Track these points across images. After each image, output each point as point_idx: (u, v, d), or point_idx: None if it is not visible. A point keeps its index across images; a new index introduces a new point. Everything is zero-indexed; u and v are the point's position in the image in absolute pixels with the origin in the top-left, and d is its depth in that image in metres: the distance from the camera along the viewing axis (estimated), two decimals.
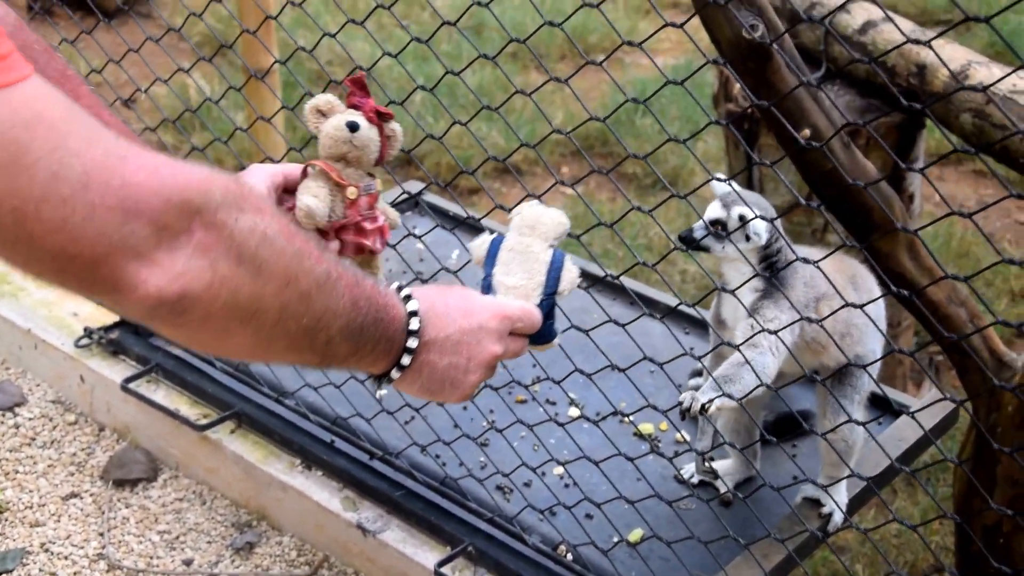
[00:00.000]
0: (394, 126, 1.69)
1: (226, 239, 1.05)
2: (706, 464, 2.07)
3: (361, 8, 5.87)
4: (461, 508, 2.07)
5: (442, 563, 2.00)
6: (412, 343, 1.33)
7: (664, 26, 1.67)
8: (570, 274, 1.53)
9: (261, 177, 1.62)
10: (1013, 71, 1.57)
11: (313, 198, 1.60)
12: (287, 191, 1.65)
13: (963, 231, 4.62)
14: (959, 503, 3.05)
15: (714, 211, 1.86)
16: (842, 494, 2.03)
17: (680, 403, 1.81)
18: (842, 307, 1.67)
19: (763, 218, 1.79)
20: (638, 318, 1.84)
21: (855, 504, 2.09)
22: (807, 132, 2.26)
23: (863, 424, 1.74)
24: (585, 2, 1.70)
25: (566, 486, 2.12)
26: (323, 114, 1.67)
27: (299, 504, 2.21)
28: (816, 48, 3.48)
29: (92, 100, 1.52)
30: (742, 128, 3.59)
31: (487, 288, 1.52)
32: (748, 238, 1.82)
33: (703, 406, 1.77)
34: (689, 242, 1.86)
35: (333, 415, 2.21)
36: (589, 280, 2.64)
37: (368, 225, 1.66)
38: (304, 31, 5.64)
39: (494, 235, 1.57)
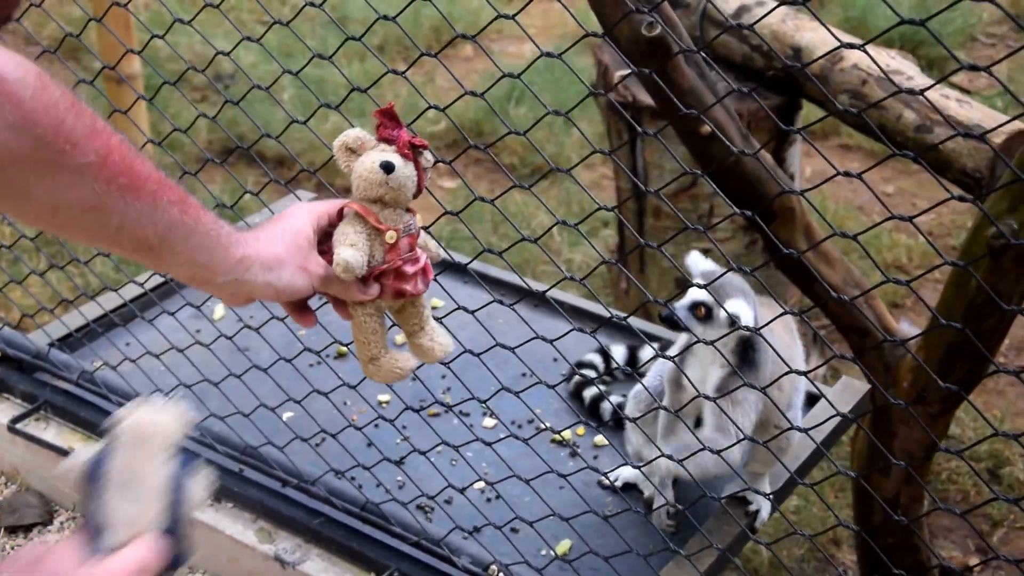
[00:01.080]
0: (428, 156, 1.58)
1: None
2: (670, 521, 2.04)
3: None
4: (384, 532, 2.00)
5: None
6: None
7: (530, 1, 1.63)
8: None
9: (307, 218, 1.55)
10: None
11: (350, 248, 1.51)
12: (326, 233, 1.57)
13: (835, 206, 4.72)
14: (857, 482, 3.11)
15: (697, 294, 1.83)
16: (766, 487, 2.04)
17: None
18: (786, 373, 1.65)
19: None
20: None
21: (780, 495, 2.10)
22: (708, 128, 2.25)
23: (805, 431, 1.73)
24: None
25: (488, 500, 2.08)
26: (353, 151, 1.55)
27: (210, 539, 2.11)
28: (691, 34, 3.49)
29: (125, 150, 1.41)
30: (624, 117, 3.59)
31: (95, 529, 1.19)
32: (732, 323, 1.78)
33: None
34: (671, 324, 1.85)
35: (242, 444, 2.12)
36: (489, 283, 2.60)
37: (409, 268, 1.56)
38: (162, 31, 5.45)
39: (95, 452, 1.25)
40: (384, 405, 2.30)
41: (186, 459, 1.25)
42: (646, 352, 2.41)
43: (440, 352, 1.65)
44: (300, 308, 1.61)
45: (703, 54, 2.29)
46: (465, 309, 1.75)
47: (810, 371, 1.69)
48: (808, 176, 5.00)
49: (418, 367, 1.65)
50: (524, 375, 2.32)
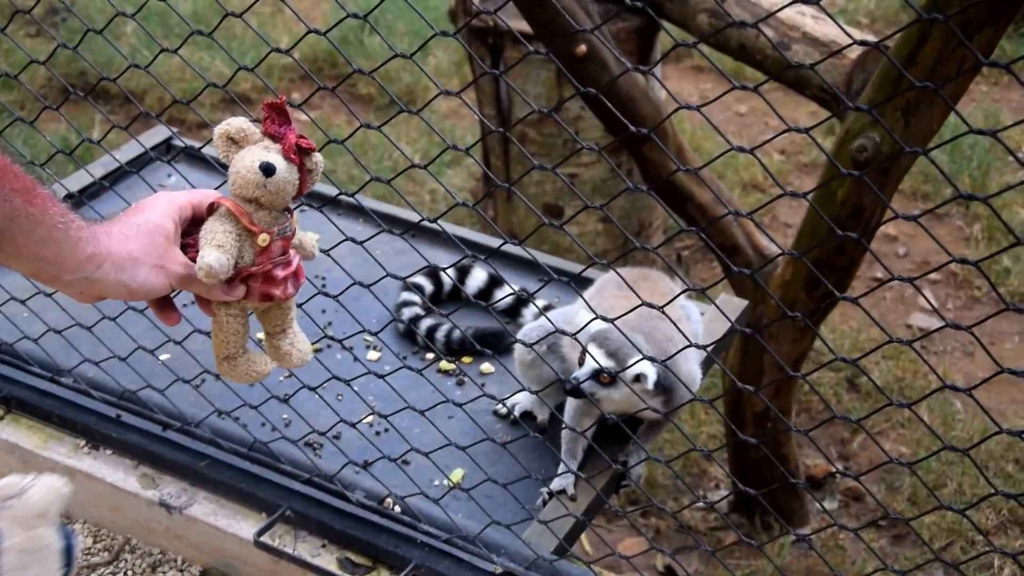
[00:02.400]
0: (316, 158, 1.47)
1: None
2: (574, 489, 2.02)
3: None
4: (274, 472, 1.96)
5: (261, 531, 1.90)
6: None
7: None
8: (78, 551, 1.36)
9: (167, 210, 1.44)
10: None
11: (216, 250, 1.40)
12: (195, 222, 1.47)
13: (691, 127, 4.78)
14: (730, 395, 3.20)
15: (598, 359, 1.79)
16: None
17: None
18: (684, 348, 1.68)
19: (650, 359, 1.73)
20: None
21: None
22: (583, 48, 2.24)
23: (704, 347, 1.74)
24: None
25: (377, 433, 2.06)
26: (235, 143, 1.44)
27: (90, 488, 2.04)
28: None
29: (15, 181, 1.33)
30: (486, 42, 3.55)
31: None
32: (638, 379, 1.79)
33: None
34: (576, 394, 1.81)
35: (119, 389, 2.05)
36: (340, 208, 2.55)
37: (280, 272, 1.47)
38: None
39: None
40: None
41: (68, 531, 1.30)
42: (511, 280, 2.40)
43: (298, 359, 1.58)
44: (162, 304, 1.51)
45: None
46: (354, 240, 1.71)
47: (708, 346, 1.68)
48: (664, 98, 5.04)
49: (271, 370, 1.58)
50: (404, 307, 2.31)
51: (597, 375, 1.80)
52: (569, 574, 1.80)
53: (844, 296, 1.52)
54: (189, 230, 1.47)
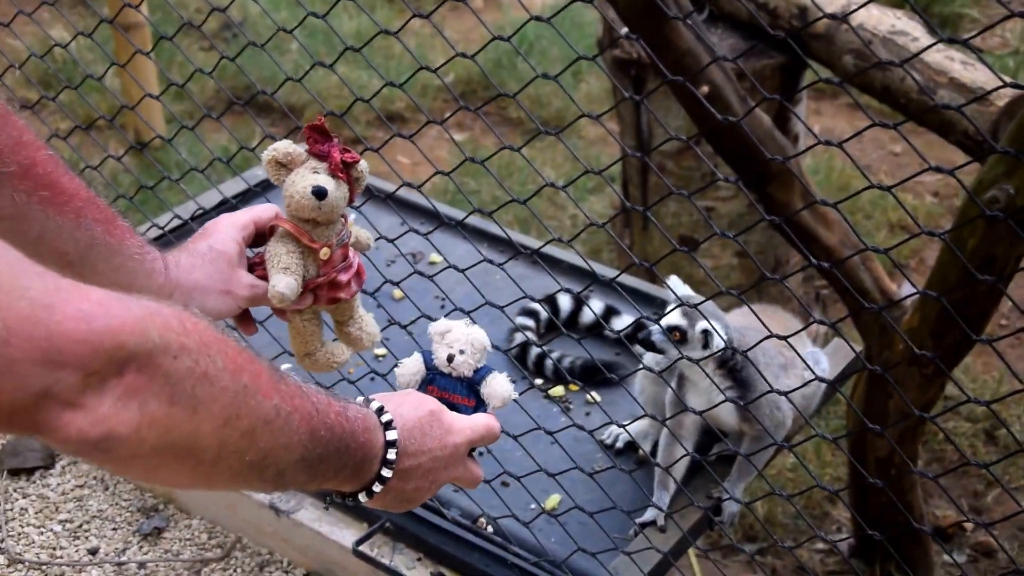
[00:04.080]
0: (361, 167, 1.55)
1: (160, 381, 1.01)
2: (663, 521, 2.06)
3: None
4: None
5: (360, 541, 1.98)
6: (386, 473, 1.32)
7: None
8: (503, 389, 1.55)
9: (231, 234, 1.55)
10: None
11: (283, 275, 1.50)
12: (260, 236, 1.58)
13: (842, 165, 4.71)
14: (853, 439, 3.15)
15: (673, 318, 1.87)
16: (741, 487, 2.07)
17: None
18: (807, 383, 1.74)
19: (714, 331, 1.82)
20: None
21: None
22: (706, 89, 2.27)
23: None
24: None
25: (480, 454, 2.11)
26: (284, 166, 1.52)
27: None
28: None
29: (50, 165, 1.43)
30: (629, 73, 3.59)
31: (479, 399, 1.55)
32: (705, 346, 1.85)
33: None
34: (647, 345, 1.88)
35: None
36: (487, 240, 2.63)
37: (343, 277, 1.57)
38: None
39: (420, 354, 1.56)
40: (380, 359, 2.34)
41: (489, 368, 1.57)
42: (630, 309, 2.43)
43: (367, 341, 1.68)
44: (240, 318, 1.62)
45: (710, 8, 2.29)
46: (456, 268, 1.78)
47: (794, 388, 1.71)
48: (816, 133, 4.98)
49: (351, 356, 1.68)
50: (517, 332, 2.36)
51: (671, 331, 1.86)
52: None
53: (976, 338, 1.51)
54: (254, 243, 1.58)
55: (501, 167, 4.65)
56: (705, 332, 1.85)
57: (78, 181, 1.44)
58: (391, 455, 1.31)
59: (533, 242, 2.57)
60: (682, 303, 1.84)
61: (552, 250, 2.55)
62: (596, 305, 2.42)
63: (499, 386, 1.55)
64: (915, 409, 1.62)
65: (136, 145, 2.31)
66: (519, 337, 2.33)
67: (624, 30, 3.57)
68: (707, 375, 1.80)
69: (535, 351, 2.30)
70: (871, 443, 3.10)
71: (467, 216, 2.13)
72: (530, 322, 2.37)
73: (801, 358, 1.83)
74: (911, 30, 3.23)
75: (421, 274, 1.90)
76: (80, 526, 2.24)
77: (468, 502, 1.97)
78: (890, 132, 4.98)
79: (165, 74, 2.38)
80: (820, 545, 3.38)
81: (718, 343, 1.85)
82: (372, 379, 2.17)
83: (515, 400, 1.86)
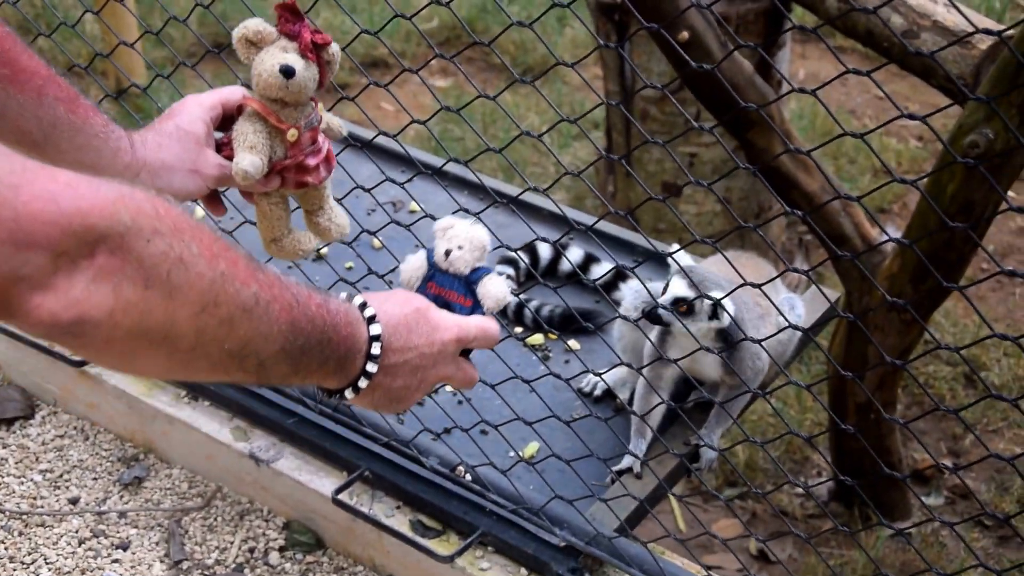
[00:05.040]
0: (332, 50, 1.54)
1: (133, 263, 1.00)
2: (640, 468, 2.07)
3: None
4: (356, 434, 2.05)
5: (339, 489, 1.99)
6: (371, 367, 1.30)
7: None
8: (497, 290, 1.53)
9: (198, 113, 1.53)
10: None
11: (248, 153, 1.50)
12: (227, 118, 1.56)
13: (825, 112, 4.69)
14: (834, 383, 3.17)
15: (679, 289, 1.86)
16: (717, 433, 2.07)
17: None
18: (782, 330, 1.73)
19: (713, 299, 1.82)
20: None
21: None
22: (685, 34, 2.25)
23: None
24: None
25: (459, 403, 2.12)
26: (254, 44, 1.51)
27: (187, 436, 2.17)
28: None
29: (8, 43, 1.40)
30: (612, 18, 3.56)
31: (475, 299, 1.53)
32: (711, 318, 1.85)
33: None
34: (653, 319, 1.87)
35: None
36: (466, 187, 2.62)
37: (311, 161, 1.56)
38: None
39: (424, 251, 1.56)
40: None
41: (487, 269, 1.55)
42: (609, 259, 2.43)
43: (336, 232, 1.68)
44: (209, 199, 1.61)
45: None
46: (432, 217, 1.76)
47: (770, 335, 1.71)
48: (801, 78, 4.96)
49: (321, 247, 1.68)
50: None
51: (677, 303, 1.86)
52: (627, 552, 1.84)
53: (949, 285, 1.52)
54: (223, 127, 1.56)
55: (485, 114, 4.62)
56: (715, 306, 1.84)
57: (37, 59, 1.42)
58: (375, 349, 1.30)
59: (515, 190, 2.56)
60: (684, 272, 1.84)
61: (533, 198, 2.54)
62: (576, 253, 2.41)
63: (494, 287, 1.53)
64: (888, 356, 1.62)
65: (112, 94, 2.28)
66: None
67: None
68: (692, 335, 1.79)
69: (514, 300, 2.30)
70: (850, 389, 3.12)
71: (444, 164, 2.13)
72: (509, 271, 2.36)
73: (776, 307, 1.83)
74: None
75: (399, 223, 1.89)
76: (61, 476, 2.24)
77: (446, 450, 1.98)
78: (877, 76, 4.98)
79: (141, 23, 2.35)
80: (800, 489, 3.41)
81: (727, 316, 1.85)
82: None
83: (492, 348, 1.86)
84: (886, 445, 3.25)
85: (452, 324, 1.42)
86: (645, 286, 1.89)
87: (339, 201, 1.71)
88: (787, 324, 1.77)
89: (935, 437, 3.55)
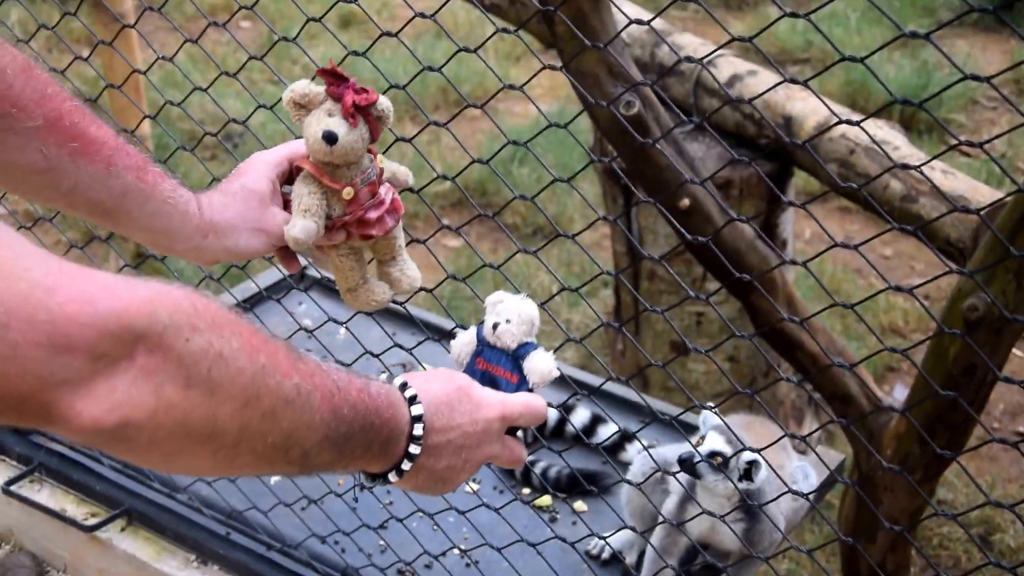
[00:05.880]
0: (381, 105, 1.51)
1: (173, 362, 0.99)
2: None
3: (230, 64, 5.80)
4: None
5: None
6: (415, 449, 1.29)
7: (542, 69, 1.67)
8: (544, 365, 1.52)
9: (263, 171, 1.55)
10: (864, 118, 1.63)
11: (302, 217, 1.51)
12: (295, 173, 1.57)
13: (832, 268, 4.77)
14: (845, 545, 3.14)
15: (716, 443, 1.89)
16: None
17: None
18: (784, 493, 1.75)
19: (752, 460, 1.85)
20: None
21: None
22: (686, 202, 2.32)
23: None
24: (462, 48, 1.68)
25: (467, 566, 2.12)
26: (302, 107, 1.51)
27: None
28: (685, 101, 3.57)
29: (77, 116, 1.43)
30: (619, 182, 3.66)
31: (520, 375, 1.52)
32: (744, 478, 1.87)
33: None
34: (688, 467, 1.88)
35: (228, 508, 2.18)
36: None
37: (372, 215, 1.55)
38: (174, 90, 5.57)
39: (475, 327, 1.56)
40: None
41: (535, 345, 1.54)
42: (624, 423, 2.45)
43: (407, 284, 1.67)
44: (283, 254, 1.61)
45: (705, 122, 2.35)
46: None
47: (808, 494, 1.74)
48: (807, 239, 5.06)
49: (392, 297, 1.68)
50: None
51: (713, 456, 1.86)
52: None
53: (943, 452, 1.55)
54: (289, 180, 1.57)
55: (496, 274, 4.71)
56: (751, 463, 1.85)
57: (106, 129, 1.44)
58: (418, 430, 1.29)
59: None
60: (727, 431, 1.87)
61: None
62: (583, 414, 2.44)
63: (540, 361, 1.51)
64: (892, 521, 1.64)
65: None
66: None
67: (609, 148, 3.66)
68: (715, 493, 1.79)
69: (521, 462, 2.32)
70: (861, 553, 3.10)
71: (453, 329, 2.17)
72: (516, 433, 2.39)
73: (780, 478, 1.85)
74: (892, 139, 3.31)
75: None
76: None
77: None
78: (882, 237, 5.07)
79: (145, 113, 2.42)
80: None
81: (762, 476, 1.86)
82: (360, 491, 2.20)
83: (498, 512, 1.88)
84: None
85: (496, 402, 1.40)
86: (649, 453, 1.91)
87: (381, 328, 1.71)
88: (801, 495, 1.78)
89: None
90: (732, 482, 1.84)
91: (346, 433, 1.19)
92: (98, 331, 0.94)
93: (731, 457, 1.85)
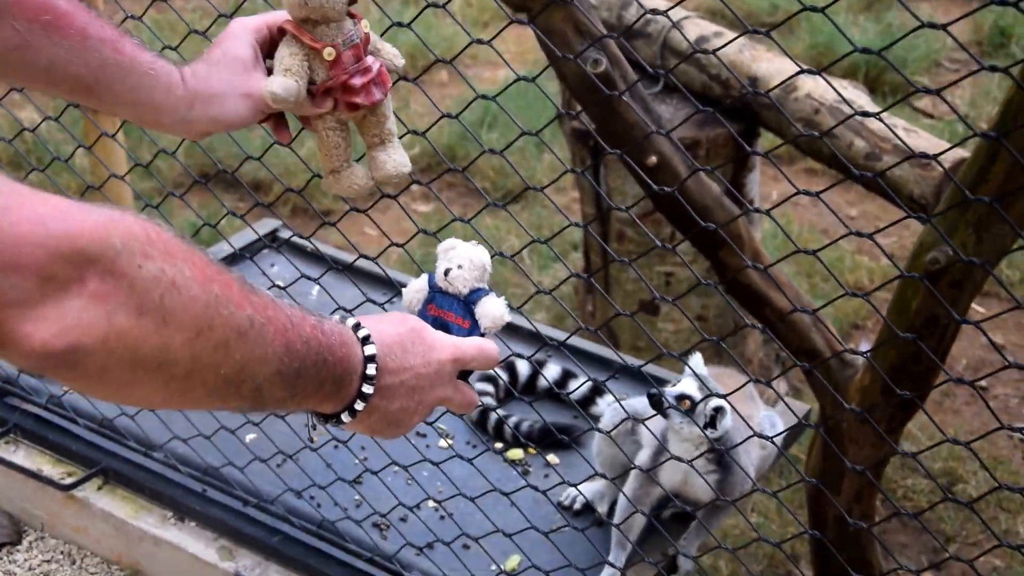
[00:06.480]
0: None
1: (125, 288, 0.98)
2: None
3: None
4: (340, 550, 2.08)
5: None
6: (368, 389, 1.28)
7: (510, 23, 1.67)
8: (495, 309, 1.52)
9: (243, 37, 1.52)
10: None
11: (282, 76, 1.48)
12: (276, 43, 1.54)
13: (799, 228, 4.82)
14: (811, 495, 3.20)
15: (687, 387, 1.92)
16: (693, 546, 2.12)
17: None
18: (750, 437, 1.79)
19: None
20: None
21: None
22: (654, 159, 2.35)
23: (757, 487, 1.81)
24: (431, 3, 1.67)
25: (441, 518, 2.16)
26: None
27: (174, 556, 2.19)
28: (652, 62, 3.60)
29: (101, 31, 1.42)
30: (587, 143, 3.68)
31: (472, 320, 1.52)
32: (709, 426, 1.89)
33: None
34: (656, 404, 1.92)
35: (204, 465, 2.20)
36: None
37: (357, 81, 1.52)
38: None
39: (426, 275, 1.56)
40: None
41: (486, 290, 1.54)
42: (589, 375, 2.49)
43: (392, 168, 1.62)
44: (276, 122, 1.59)
45: (672, 78, 2.38)
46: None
47: (775, 436, 1.78)
48: (774, 199, 5.09)
49: (375, 184, 1.64)
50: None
51: (681, 398, 1.90)
52: None
53: (904, 394, 1.58)
54: (272, 50, 1.54)
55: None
56: (717, 410, 1.88)
57: (77, 2, 1.42)
58: (371, 370, 1.28)
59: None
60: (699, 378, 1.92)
61: (512, 316, 2.61)
62: (554, 369, 2.48)
63: (492, 306, 1.52)
64: (858, 466, 1.68)
65: None
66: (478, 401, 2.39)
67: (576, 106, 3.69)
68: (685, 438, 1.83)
69: (494, 415, 2.36)
70: (827, 500, 3.16)
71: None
72: (489, 387, 2.42)
73: (749, 425, 1.89)
74: (856, 98, 3.35)
75: None
76: None
77: (429, 564, 2.01)
78: (846, 197, 5.12)
79: (131, 155, 2.44)
80: None
81: (725, 424, 1.90)
82: (335, 447, 2.23)
83: (471, 462, 1.92)
84: (866, 558, 3.27)
85: (449, 344, 1.40)
86: (621, 404, 1.95)
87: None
88: (771, 441, 1.83)
89: (916, 550, 3.57)
90: (697, 427, 1.88)
91: (299, 368, 1.18)
92: (48, 252, 0.93)
93: (699, 402, 1.88)
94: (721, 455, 1.93)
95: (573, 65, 2.26)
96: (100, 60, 1.42)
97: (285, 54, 1.51)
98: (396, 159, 1.62)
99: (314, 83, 1.51)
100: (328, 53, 1.49)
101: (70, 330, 0.95)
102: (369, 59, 1.54)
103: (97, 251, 0.96)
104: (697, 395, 1.90)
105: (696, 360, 1.96)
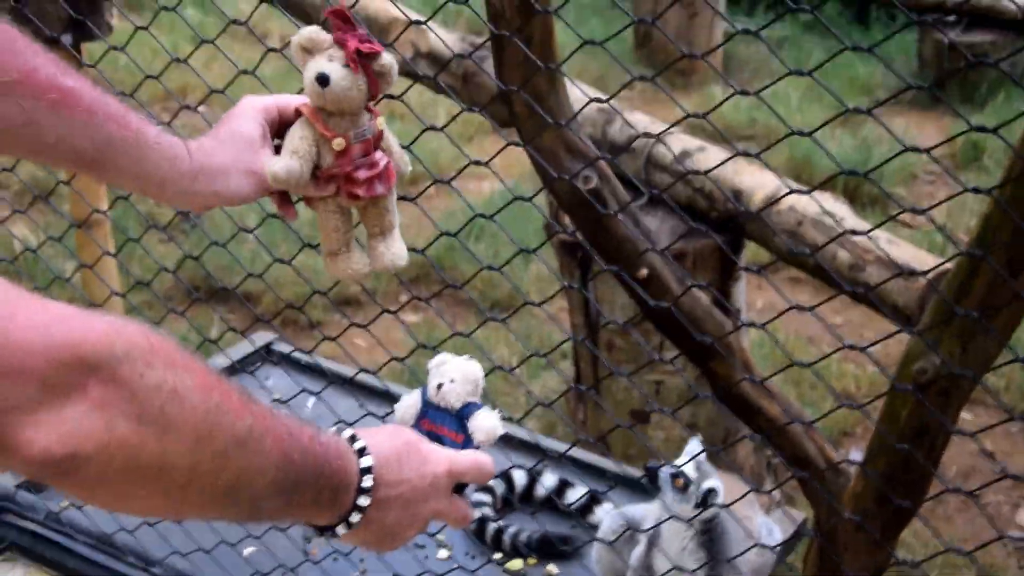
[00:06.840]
0: (384, 61, 1.50)
1: (127, 396, 0.98)
2: None
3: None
4: None
5: None
6: (363, 501, 1.28)
7: (506, 146, 1.72)
8: (488, 423, 1.53)
9: (252, 115, 1.55)
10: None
11: (288, 157, 1.51)
12: (286, 124, 1.56)
13: (785, 336, 4.87)
14: None
15: (684, 467, 1.96)
16: None
17: None
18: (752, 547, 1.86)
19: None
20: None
21: None
22: (644, 272, 2.40)
23: None
24: (429, 127, 1.74)
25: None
26: (308, 51, 1.50)
27: None
28: (637, 176, 3.69)
29: (52, 68, 1.43)
30: (575, 255, 3.75)
31: (466, 435, 1.52)
32: (701, 506, 1.94)
33: None
34: (652, 478, 1.96)
35: None
36: None
37: (362, 174, 1.53)
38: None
39: (419, 389, 1.57)
40: None
41: (479, 405, 1.56)
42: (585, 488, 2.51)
43: (388, 260, 1.64)
44: (281, 201, 1.61)
45: (665, 197, 2.45)
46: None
47: (776, 547, 1.81)
48: (760, 308, 5.17)
49: (371, 272, 1.65)
50: (474, 508, 2.43)
51: (675, 476, 1.93)
52: None
53: (900, 503, 1.61)
54: (280, 132, 1.57)
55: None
56: (710, 491, 1.92)
57: (83, 80, 1.44)
58: (367, 482, 1.28)
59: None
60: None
61: (506, 427, 2.63)
62: (550, 479, 2.49)
63: (485, 420, 1.52)
64: (852, 575, 1.70)
65: None
66: (476, 512, 2.40)
67: (566, 219, 3.76)
68: (678, 517, 1.85)
69: (493, 526, 2.37)
70: None
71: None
72: (487, 497, 2.44)
73: (746, 528, 1.92)
74: (838, 211, 3.44)
75: None
76: None
77: None
78: (832, 306, 5.19)
79: (127, 270, 2.49)
80: None
81: (720, 499, 1.93)
82: (335, 559, 2.23)
83: (473, 574, 1.93)
84: None
85: (444, 457, 1.41)
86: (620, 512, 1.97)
87: None
88: (771, 547, 1.85)
89: None
90: (688, 506, 1.92)
91: (296, 480, 1.18)
92: (50, 359, 0.94)
93: (692, 483, 1.91)
94: (712, 544, 1.95)
95: (565, 184, 2.33)
96: (106, 136, 1.46)
97: (296, 136, 1.54)
98: (394, 251, 1.65)
99: (319, 167, 1.55)
100: (337, 144, 1.53)
101: (70, 437, 0.96)
102: (378, 154, 1.57)
103: (99, 359, 0.97)
104: (693, 475, 1.93)
105: (694, 443, 2.00)
